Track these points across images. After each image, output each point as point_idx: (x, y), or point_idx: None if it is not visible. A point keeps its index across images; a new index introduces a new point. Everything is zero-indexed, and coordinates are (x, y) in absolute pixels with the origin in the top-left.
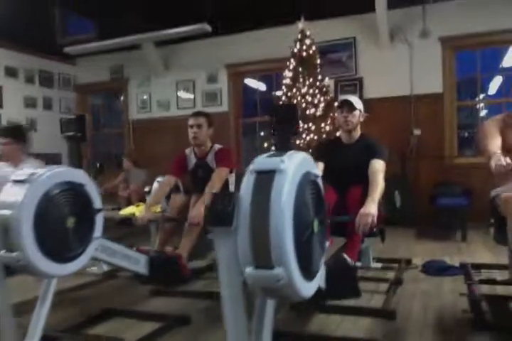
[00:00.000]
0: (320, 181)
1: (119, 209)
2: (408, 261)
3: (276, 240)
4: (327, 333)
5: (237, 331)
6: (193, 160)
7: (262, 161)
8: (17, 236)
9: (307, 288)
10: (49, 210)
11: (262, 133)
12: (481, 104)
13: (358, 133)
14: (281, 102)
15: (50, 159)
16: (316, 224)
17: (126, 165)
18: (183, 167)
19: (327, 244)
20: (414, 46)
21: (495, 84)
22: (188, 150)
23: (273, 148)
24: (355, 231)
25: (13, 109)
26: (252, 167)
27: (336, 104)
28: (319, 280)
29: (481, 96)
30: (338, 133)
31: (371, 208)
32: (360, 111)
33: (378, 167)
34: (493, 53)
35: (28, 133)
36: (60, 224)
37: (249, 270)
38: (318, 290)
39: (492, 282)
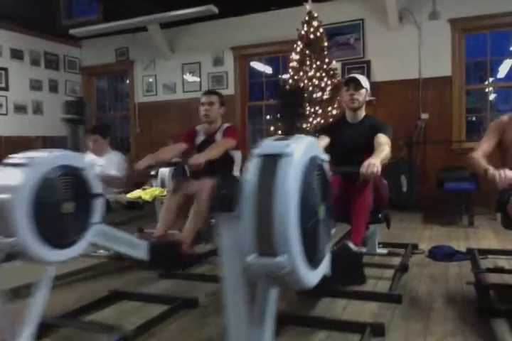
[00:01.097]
0: (326, 166)
1: (126, 192)
2: (415, 246)
3: (281, 227)
4: (333, 317)
5: (238, 319)
6: (201, 137)
7: (268, 145)
8: (12, 221)
9: (311, 277)
10: (46, 195)
11: (268, 117)
12: (490, 88)
13: (363, 112)
14: (287, 86)
15: (56, 142)
16: (322, 210)
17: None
18: (191, 140)
19: (333, 230)
20: (423, 28)
21: (504, 67)
22: (199, 127)
23: (279, 131)
24: (363, 182)
25: (19, 92)
26: (257, 150)
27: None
28: (324, 267)
29: (490, 79)
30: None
31: (375, 160)
32: (366, 90)
33: (384, 140)
34: (504, 36)
35: (111, 130)
36: (58, 209)
37: (252, 257)
38: (324, 277)
39: (500, 270)
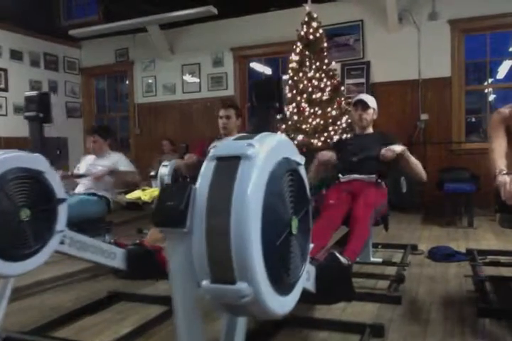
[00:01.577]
0: (302, 170)
1: (126, 193)
2: (414, 247)
3: (239, 246)
4: (332, 318)
5: None
6: None
7: (226, 145)
8: None
9: (281, 304)
10: None
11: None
12: (490, 89)
13: (371, 129)
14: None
15: (56, 143)
16: (295, 223)
17: (166, 149)
18: (203, 150)
19: (311, 246)
20: (422, 29)
21: (504, 68)
22: (217, 139)
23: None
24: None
25: (19, 92)
26: (212, 152)
27: (342, 88)
28: (299, 291)
29: (490, 80)
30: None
31: (396, 146)
32: (373, 109)
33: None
34: (503, 37)
35: (111, 132)
36: (13, 216)
37: (205, 283)
38: (308, 294)
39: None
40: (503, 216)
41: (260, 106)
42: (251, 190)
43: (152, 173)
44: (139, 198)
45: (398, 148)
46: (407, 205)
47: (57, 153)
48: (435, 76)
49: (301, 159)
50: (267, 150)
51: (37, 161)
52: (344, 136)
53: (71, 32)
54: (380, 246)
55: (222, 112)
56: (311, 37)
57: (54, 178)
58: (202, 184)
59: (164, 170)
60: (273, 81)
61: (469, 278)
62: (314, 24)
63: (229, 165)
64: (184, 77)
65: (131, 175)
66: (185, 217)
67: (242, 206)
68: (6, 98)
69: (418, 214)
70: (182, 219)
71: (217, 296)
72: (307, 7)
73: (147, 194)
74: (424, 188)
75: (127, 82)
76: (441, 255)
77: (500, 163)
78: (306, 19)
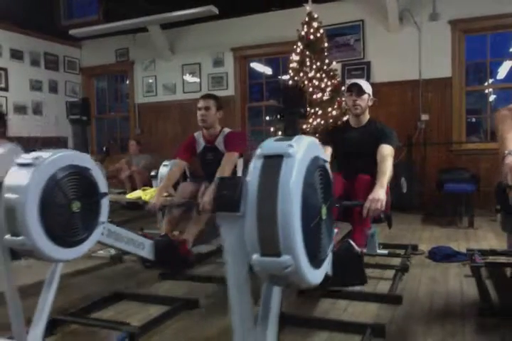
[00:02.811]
0: (328, 166)
1: (126, 193)
2: (415, 247)
3: (284, 227)
4: (333, 318)
5: (243, 318)
6: (201, 144)
7: (270, 145)
8: (22, 220)
9: (314, 276)
10: (54, 194)
11: (267, 118)
12: (490, 89)
13: (366, 117)
14: (288, 85)
15: (56, 142)
16: (324, 210)
17: (132, 150)
18: (191, 150)
19: (335, 231)
20: (423, 29)
21: (504, 68)
22: (196, 134)
23: (279, 132)
24: (363, 217)
25: (19, 92)
26: (259, 151)
27: (343, 88)
28: (327, 267)
29: (490, 81)
30: (345, 118)
31: (380, 194)
32: (369, 95)
33: (387, 152)
34: (504, 37)
35: (3, 116)
36: (66, 208)
37: (256, 257)
38: (325, 277)
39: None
40: (508, 219)
41: (288, 112)
42: (292, 182)
43: (152, 173)
44: (140, 198)
45: (382, 192)
46: (407, 205)
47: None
48: (436, 76)
49: (326, 157)
50: (303, 150)
51: (84, 159)
52: (331, 121)
53: (71, 31)
54: (381, 247)
55: (200, 103)
56: (311, 37)
57: (98, 174)
58: (252, 177)
59: (164, 170)
60: (297, 90)
61: (470, 278)
62: (315, 24)
63: (274, 162)
64: (184, 77)
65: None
66: (239, 204)
67: (286, 195)
68: (6, 97)
69: (418, 214)
70: (237, 206)
71: (265, 267)
72: (308, 7)
73: (148, 194)
74: (424, 189)
75: (127, 82)
76: (441, 255)
77: (511, 144)
78: (307, 19)
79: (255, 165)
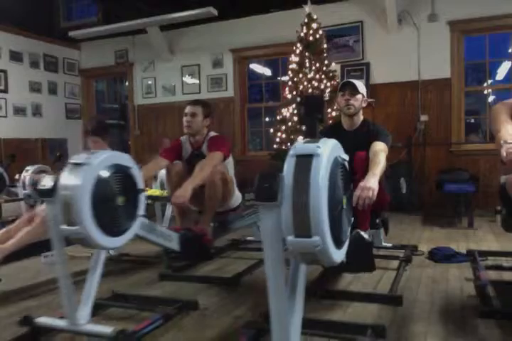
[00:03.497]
0: (347, 164)
1: None
2: (414, 248)
3: (315, 213)
4: (334, 318)
5: (278, 291)
6: (188, 150)
7: (301, 147)
8: (77, 212)
9: (337, 255)
10: (103, 190)
11: (267, 119)
12: (489, 90)
13: (360, 118)
14: (310, 94)
15: (56, 144)
16: (345, 200)
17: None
18: (176, 153)
19: (352, 218)
20: (422, 30)
21: (503, 69)
22: (183, 138)
23: (279, 134)
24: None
25: (18, 94)
26: (292, 152)
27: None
28: (345, 249)
29: (489, 81)
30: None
31: (372, 182)
32: (363, 95)
33: (380, 147)
34: (502, 38)
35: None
36: (112, 202)
37: (290, 238)
38: (340, 262)
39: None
40: (508, 218)
41: (309, 118)
42: (321, 176)
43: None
44: None
45: (374, 181)
46: (406, 206)
47: (57, 155)
48: (435, 77)
49: (346, 157)
50: (328, 150)
51: (126, 159)
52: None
53: (71, 33)
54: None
55: (187, 109)
56: (310, 38)
57: (137, 172)
58: (287, 173)
59: (163, 172)
60: (317, 98)
61: (470, 277)
62: (314, 25)
63: (305, 160)
64: (184, 79)
65: None
66: (276, 195)
67: (316, 187)
68: (5, 99)
69: (418, 215)
70: (275, 196)
71: (298, 247)
72: (307, 8)
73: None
74: (423, 189)
75: (127, 84)
76: (441, 256)
77: (506, 135)
78: (306, 20)
79: (289, 163)
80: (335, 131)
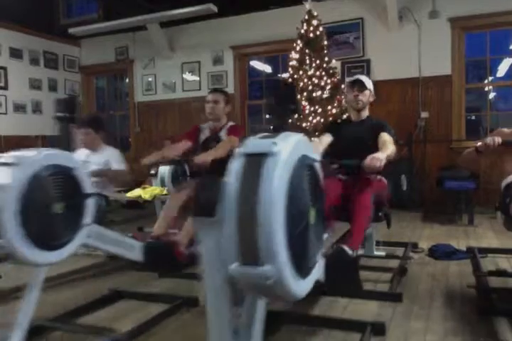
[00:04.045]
0: (318, 166)
1: (126, 191)
2: (414, 245)
3: (266, 233)
4: (334, 316)
5: (221, 329)
6: (205, 134)
7: (252, 143)
8: (0, 221)
9: (300, 287)
10: (35, 195)
11: (267, 116)
12: (490, 87)
13: (366, 113)
14: (279, 83)
15: (55, 141)
16: (312, 214)
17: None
18: (194, 137)
19: (325, 236)
20: (422, 27)
21: (504, 66)
22: (203, 125)
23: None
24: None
25: (18, 91)
26: (240, 149)
27: (343, 86)
28: (315, 276)
29: (490, 78)
30: (345, 116)
31: (380, 155)
32: (370, 91)
33: (388, 138)
34: (503, 35)
35: (103, 123)
36: (48, 209)
37: (234, 266)
38: (317, 284)
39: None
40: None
41: (279, 107)
42: (276, 183)
43: (152, 172)
44: (140, 196)
45: (383, 155)
46: (407, 203)
47: None
48: (435, 74)
49: (316, 156)
50: (289, 148)
51: (67, 158)
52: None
53: (71, 30)
54: (380, 244)
55: (209, 97)
56: (311, 35)
57: (82, 174)
58: (232, 178)
59: (164, 169)
60: (288, 86)
61: (470, 275)
62: (314, 22)
63: (256, 161)
64: (184, 76)
65: (121, 174)
66: (214, 207)
67: (268, 197)
68: (5, 96)
69: (418, 212)
70: (213, 209)
71: (245, 277)
72: (307, 5)
73: (148, 192)
74: (424, 186)
75: (127, 81)
76: (441, 253)
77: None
78: (306, 17)
79: (235, 164)
80: (343, 123)
